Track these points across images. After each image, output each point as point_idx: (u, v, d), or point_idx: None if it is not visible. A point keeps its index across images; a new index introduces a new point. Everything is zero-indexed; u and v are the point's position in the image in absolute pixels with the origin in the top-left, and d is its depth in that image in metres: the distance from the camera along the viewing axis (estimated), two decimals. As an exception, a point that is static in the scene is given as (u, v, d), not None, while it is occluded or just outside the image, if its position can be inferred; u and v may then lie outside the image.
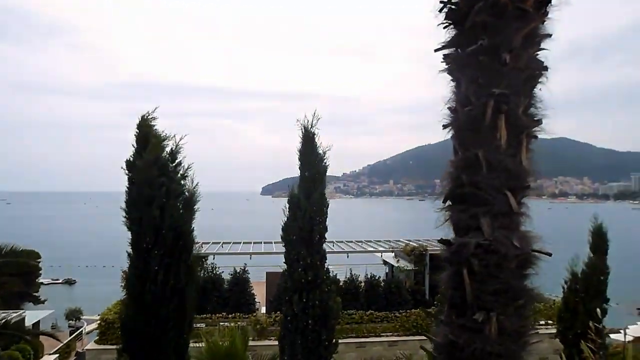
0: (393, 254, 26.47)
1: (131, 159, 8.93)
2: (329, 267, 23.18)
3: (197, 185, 9.23)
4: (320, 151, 10.77)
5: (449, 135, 3.32)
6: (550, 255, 3.08)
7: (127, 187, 8.88)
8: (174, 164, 9.10)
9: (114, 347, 11.77)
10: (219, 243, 25.65)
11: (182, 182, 9.18)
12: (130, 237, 8.75)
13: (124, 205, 8.78)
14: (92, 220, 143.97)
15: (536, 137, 3.36)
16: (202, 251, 23.92)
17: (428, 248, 23.65)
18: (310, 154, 10.54)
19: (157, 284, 8.40)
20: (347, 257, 24.28)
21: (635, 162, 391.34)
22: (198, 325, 17.76)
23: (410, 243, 25.43)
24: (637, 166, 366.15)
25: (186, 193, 9.17)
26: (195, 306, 9.56)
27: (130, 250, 8.84)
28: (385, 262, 27.50)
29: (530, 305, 3.13)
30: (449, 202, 3.42)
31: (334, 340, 10.98)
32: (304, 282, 10.39)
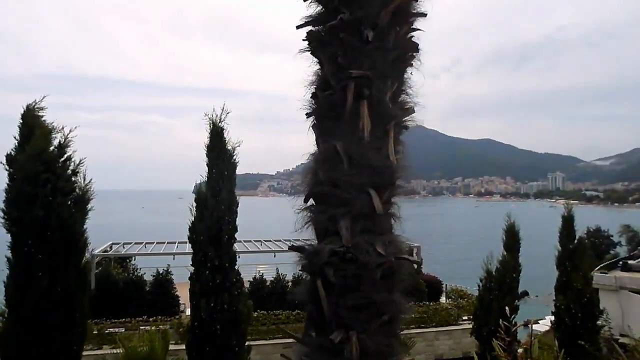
0: None
1: (12, 152, 8.03)
2: (259, 267, 23.15)
3: (90, 182, 8.44)
4: (230, 147, 10.20)
5: (310, 126, 2.86)
6: (419, 263, 2.70)
7: (7, 184, 7.96)
8: (62, 159, 8.25)
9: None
10: (141, 243, 24.56)
11: (73, 178, 8.36)
12: (10, 240, 7.85)
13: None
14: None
15: (407, 127, 2.93)
16: (124, 252, 22.87)
17: None
18: (218, 149, 9.95)
19: (39, 291, 7.57)
20: (274, 256, 23.84)
21: (552, 163, 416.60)
22: (117, 330, 17.12)
23: None
24: (553, 167, 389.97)
25: (77, 191, 8.35)
26: (88, 313, 8.72)
27: (10, 254, 7.92)
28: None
29: (398, 321, 2.75)
30: (311, 202, 2.94)
31: (245, 345, 10.48)
32: (211, 285, 9.80)
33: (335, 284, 2.62)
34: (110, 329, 17.46)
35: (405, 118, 2.87)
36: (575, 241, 13.10)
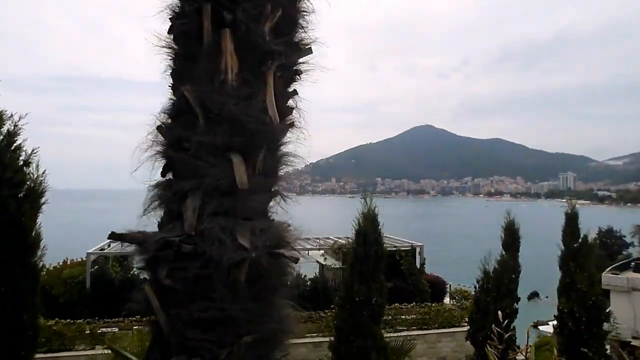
0: (321, 252, 25.70)
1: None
2: None
3: (44, 173, 7.79)
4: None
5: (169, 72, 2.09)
6: (297, 261, 1.91)
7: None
8: (10, 149, 7.61)
9: None
10: None
11: (24, 169, 7.71)
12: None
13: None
14: None
15: (299, 72, 2.13)
16: (122, 249, 22.30)
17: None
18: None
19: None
20: None
21: (563, 163, 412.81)
22: (110, 329, 16.52)
23: (340, 240, 24.69)
24: (564, 167, 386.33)
25: (29, 183, 7.71)
26: (38, 314, 8.03)
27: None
28: (317, 261, 26.68)
29: (275, 343, 1.95)
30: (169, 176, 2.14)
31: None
32: None
33: (172, 288, 1.89)
34: (103, 329, 16.88)
35: (299, 60, 2.08)
36: (580, 240, 12.27)
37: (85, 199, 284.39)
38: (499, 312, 9.09)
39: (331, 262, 24.81)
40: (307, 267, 24.24)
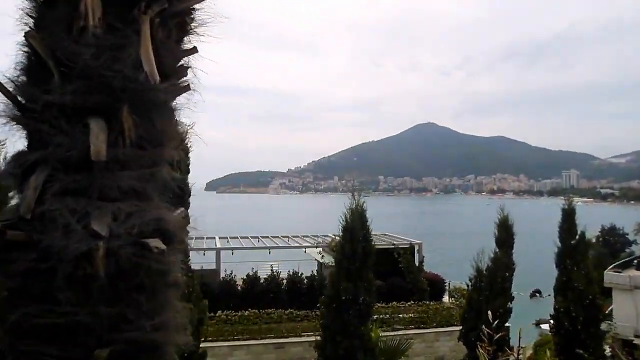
0: (318, 249, 25.40)
1: None
2: (251, 263, 22.30)
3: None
4: None
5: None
6: (163, 252, 1.49)
7: None
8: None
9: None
10: None
11: None
12: None
13: None
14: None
15: (188, 23, 1.76)
16: None
17: None
18: None
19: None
20: (269, 252, 23.03)
21: (566, 160, 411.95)
22: None
23: (337, 237, 24.34)
24: (567, 164, 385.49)
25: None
26: None
27: None
28: (315, 259, 26.36)
29: (147, 354, 1.51)
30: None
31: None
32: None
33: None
34: None
35: (193, 5, 1.71)
36: (577, 237, 11.92)
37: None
38: (489, 312, 8.80)
39: (329, 260, 24.53)
40: (307, 265, 23.98)
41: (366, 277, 9.86)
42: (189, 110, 1.71)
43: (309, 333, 19.47)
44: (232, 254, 25.45)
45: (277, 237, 26.50)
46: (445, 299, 23.67)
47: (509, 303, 10.79)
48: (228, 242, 25.08)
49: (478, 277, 10.88)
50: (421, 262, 24.61)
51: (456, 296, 23.09)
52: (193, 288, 8.95)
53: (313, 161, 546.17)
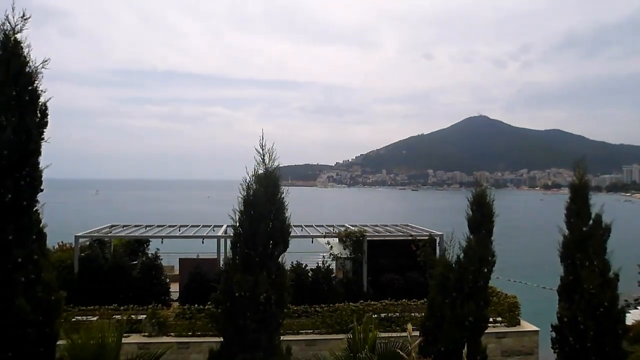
0: (326, 240, 22.86)
1: None
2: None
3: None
4: (30, 68, 6.70)
5: None
6: None
7: None
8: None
9: None
10: (152, 226, 22.60)
11: None
12: None
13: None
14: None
15: None
16: (126, 233, 20.92)
17: (366, 233, 20.82)
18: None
19: None
20: (312, 241, 21.05)
21: (628, 154, 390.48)
22: (85, 318, 15.48)
23: (350, 228, 21.88)
24: (629, 158, 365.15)
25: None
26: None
27: None
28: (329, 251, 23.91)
29: None
30: None
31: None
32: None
33: None
34: (78, 317, 15.73)
35: None
36: (591, 222, 8.76)
37: (140, 189, 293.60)
38: (468, 320, 5.98)
39: (338, 251, 22.00)
40: (313, 256, 21.60)
41: (274, 268, 7.17)
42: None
43: (308, 330, 17.37)
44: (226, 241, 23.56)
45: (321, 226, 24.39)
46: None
47: (485, 309, 7.75)
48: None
49: (444, 273, 7.88)
50: (442, 255, 21.57)
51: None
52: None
53: (362, 154, 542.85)
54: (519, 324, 17.99)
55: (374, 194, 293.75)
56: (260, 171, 7.37)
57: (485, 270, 7.78)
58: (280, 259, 7.39)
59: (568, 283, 8.74)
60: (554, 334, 8.83)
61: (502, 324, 18.22)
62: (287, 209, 7.47)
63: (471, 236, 7.98)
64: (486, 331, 17.64)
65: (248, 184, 7.26)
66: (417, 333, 11.18)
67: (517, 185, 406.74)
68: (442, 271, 7.90)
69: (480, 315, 7.55)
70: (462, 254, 7.94)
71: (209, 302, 12.55)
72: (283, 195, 7.45)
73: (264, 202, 7.14)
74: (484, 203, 8.01)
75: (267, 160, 7.42)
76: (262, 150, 7.41)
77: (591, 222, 8.77)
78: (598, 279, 8.37)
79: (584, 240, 8.64)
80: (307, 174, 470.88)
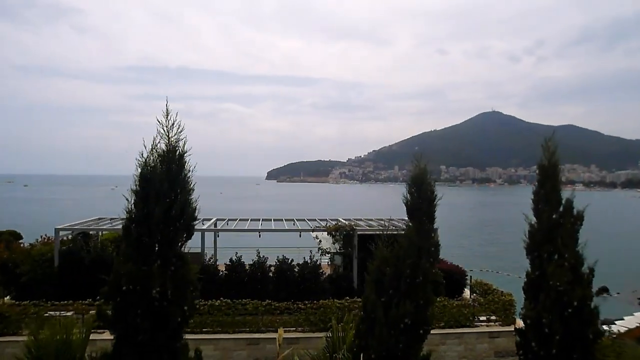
0: (314, 234, 21.93)
1: None
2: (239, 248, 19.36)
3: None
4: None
5: None
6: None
7: None
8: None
9: None
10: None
11: None
12: None
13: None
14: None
15: None
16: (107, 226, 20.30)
17: (357, 227, 20.02)
18: None
19: None
20: (259, 236, 20.05)
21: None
22: (58, 313, 15.00)
23: (342, 221, 21.16)
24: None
25: None
26: None
27: None
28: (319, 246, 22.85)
29: None
30: None
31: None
32: None
33: None
34: (51, 312, 15.26)
35: None
36: (561, 208, 7.60)
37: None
38: (404, 322, 4.97)
39: (327, 245, 21.02)
40: (305, 252, 20.63)
41: (172, 257, 6.12)
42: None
43: (290, 328, 16.51)
44: (218, 236, 22.76)
45: (281, 220, 23.48)
46: (467, 294, 19.83)
47: (426, 309, 6.57)
48: (227, 224, 22.78)
49: (380, 267, 6.72)
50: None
51: (478, 291, 19.26)
52: None
53: (374, 150, 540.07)
54: (514, 323, 16.88)
55: (385, 190, 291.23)
56: (162, 145, 6.30)
57: (427, 264, 6.62)
58: (183, 248, 6.33)
59: (534, 279, 7.59)
60: (518, 339, 7.69)
61: (497, 323, 17.41)
62: (193, 190, 6.40)
63: (410, 223, 6.81)
64: (479, 330, 17.23)
65: (146, 159, 6.20)
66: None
67: (531, 181, 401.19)
68: (378, 265, 6.74)
69: (420, 318, 6.37)
70: (398, 245, 6.76)
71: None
72: (189, 175, 6.39)
73: (162, 180, 6.08)
74: (424, 183, 6.84)
75: (171, 134, 6.34)
76: (166, 119, 6.33)
77: (562, 208, 7.61)
78: (567, 274, 7.21)
79: (552, 230, 7.48)
80: (319, 170, 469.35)
